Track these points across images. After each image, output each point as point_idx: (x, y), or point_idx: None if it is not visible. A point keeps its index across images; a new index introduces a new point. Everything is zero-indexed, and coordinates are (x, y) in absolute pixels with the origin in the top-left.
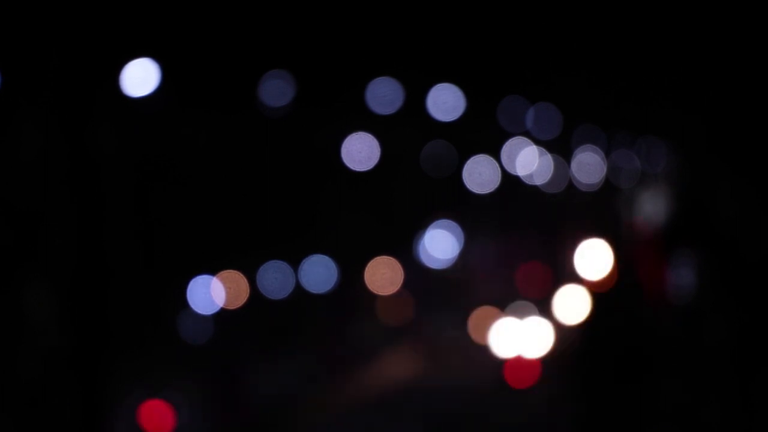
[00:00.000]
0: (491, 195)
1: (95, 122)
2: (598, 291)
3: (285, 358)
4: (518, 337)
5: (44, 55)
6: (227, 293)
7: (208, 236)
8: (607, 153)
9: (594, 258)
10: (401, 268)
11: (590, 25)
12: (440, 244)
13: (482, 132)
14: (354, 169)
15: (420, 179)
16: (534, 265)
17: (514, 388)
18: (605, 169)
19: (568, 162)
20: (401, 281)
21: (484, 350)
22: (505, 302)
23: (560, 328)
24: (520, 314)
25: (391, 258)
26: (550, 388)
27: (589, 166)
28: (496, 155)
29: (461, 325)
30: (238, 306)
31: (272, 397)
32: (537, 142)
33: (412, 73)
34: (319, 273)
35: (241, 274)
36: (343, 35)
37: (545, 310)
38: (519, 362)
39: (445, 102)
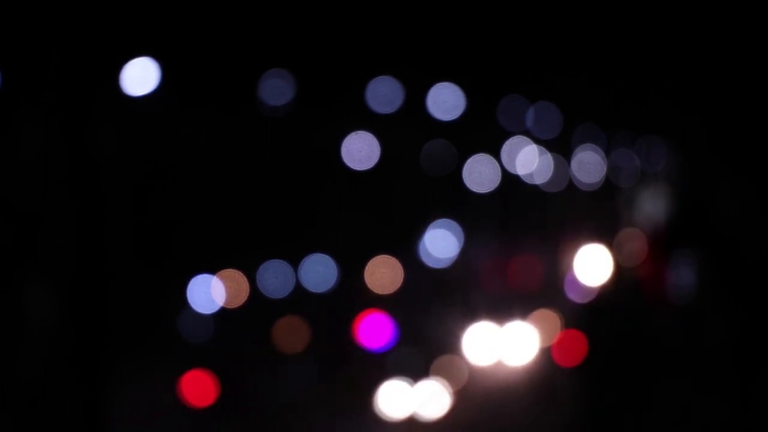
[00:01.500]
0: (491, 194)
1: (95, 122)
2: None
3: (284, 357)
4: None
5: (44, 55)
6: (227, 292)
7: (208, 236)
8: (607, 152)
9: (593, 258)
10: (401, 268)
11: (590, 25)
12: (440, 244)
13: (482, 131)
14: (354, 168)
15: (420, 179)
16: (531, 262)
17: (511, 390)
18: (605, 169)
19: (568, 161)
20: (401, 281)
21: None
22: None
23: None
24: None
25: (391, 257)
26: (549, 389)
27: (589, 165)
28: (496, 154)
29: (460, 324)
30: (238, 305)
31: (272, 395)
32: (537, 141)
33: (412, 72)
34: (318, 272)
35: (241, 273)
36: (343, 35)
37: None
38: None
39: (445, 101)
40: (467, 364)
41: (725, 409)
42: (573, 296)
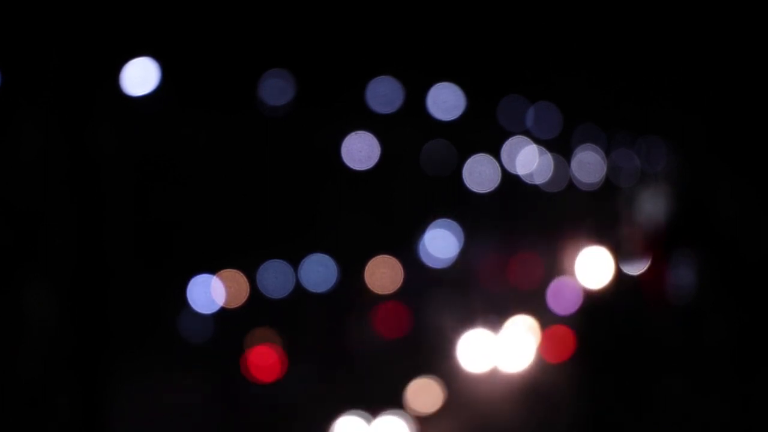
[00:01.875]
0: (491, 194)
1: (95, 122)
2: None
3: (284, 357)
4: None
5: (44, 55)
6: (227, 292)
7: (208, 236)
8: (607, 152)
9: (593, 259)
10: (401, 268)
11: (590, 25)
12: (440, 244)
13: (482, 131)
14: (354, 168)
15: (420, 179)
16: (530, 261)
17: (512, 389)
18: (605, 169)
19: (569, 161)
20: (401, 281)
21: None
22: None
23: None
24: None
25: (391, 257)
26: (549, 389)
27: (589, 165)
28: (496, 154)
29: (460, 324)
30: (238, 305)
31: (272, 395)
32: (537, 141)
33: (412, 72)
34: (318, 272)
35: (241, 273)
36: (343, 35)
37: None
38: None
39: (445, 101)
40: (465, 369)
41: (725, 409)
42: (569, 298)
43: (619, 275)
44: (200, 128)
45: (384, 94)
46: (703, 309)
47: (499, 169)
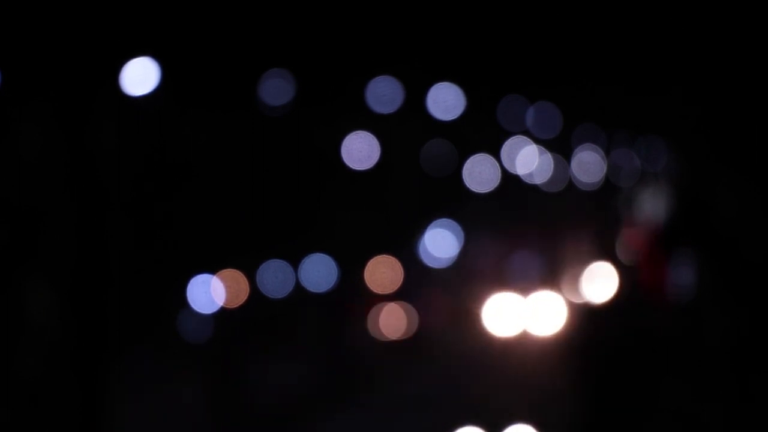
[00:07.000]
0: (491, 194)
1: (95, 122)
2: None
3: (285, 357)
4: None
5: (44, 55)
6: (227, 292)
7: (208, 235)
8: (607, 152)
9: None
10: (401, 268)
11: (590, 25)
12: (440, 244)
13: (482, 131)
14: (354, 168)
15: (420, 178)
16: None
17: (515, 385)
18: (605, 169)
19: (568, 161)
20: (401, 280)
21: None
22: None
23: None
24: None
25: (391, 257)
26: (551, 387)
27: (589, 165)
28: (496, 154)
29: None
30: (238, 305)
31: (272, 395)
32: (537, 141)
33: (412, 71)
34: (318, 272)
35: (241, 273)
36: (343, 34)
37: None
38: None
39: (445, 101)
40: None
41: (725, 409)
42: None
43: (619, 277)
44: (200, 128)
45: (384, 93)
46: (703, 309)
47: (499, 169)
